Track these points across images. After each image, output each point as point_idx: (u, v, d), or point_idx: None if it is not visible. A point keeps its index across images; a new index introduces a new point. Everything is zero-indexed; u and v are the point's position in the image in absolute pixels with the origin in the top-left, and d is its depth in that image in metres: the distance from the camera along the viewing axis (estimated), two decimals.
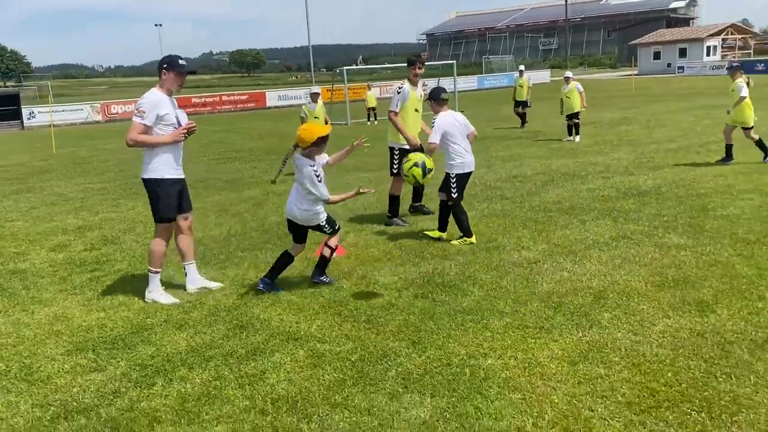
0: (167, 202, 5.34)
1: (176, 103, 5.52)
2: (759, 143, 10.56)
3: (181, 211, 5.54)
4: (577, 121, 15.14)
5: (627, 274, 5.47)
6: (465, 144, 6.74)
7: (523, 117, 18.94)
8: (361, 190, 5.47)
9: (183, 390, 3.85)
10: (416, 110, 7.77)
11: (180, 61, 5.30)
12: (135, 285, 5.86)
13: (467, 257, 6.23)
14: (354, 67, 45.60)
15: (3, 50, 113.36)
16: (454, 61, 31.18)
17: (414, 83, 7.79)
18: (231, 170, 13.76)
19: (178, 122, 5.31)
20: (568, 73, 16.23)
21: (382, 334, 4.50)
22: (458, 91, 30.54)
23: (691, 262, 5.70)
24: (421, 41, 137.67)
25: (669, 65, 57.26)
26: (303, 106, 12.59)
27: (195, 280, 5.73)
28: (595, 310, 4.72)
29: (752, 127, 10.56)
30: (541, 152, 13.52)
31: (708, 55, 58.78)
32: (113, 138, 22.97)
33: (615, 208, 7.97)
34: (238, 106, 39.82)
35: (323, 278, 5.66)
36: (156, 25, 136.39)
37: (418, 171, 5.86)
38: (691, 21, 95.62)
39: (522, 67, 20.53)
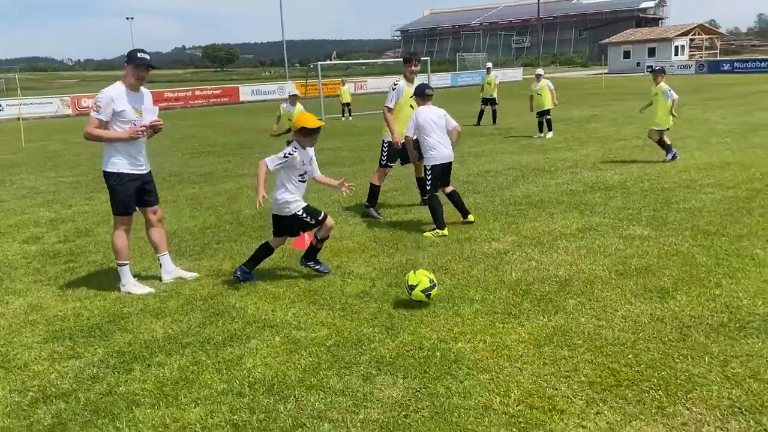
0: (124, 196, 5.40)
1: (150, 98, 5.52)
2: (662, 143, 10.99)
3: (148, 205, 5.60)
4: (549, 117, 15.44)
5: (592, 264, 5.68)
6: (439, 137, 6.96)
7: (489, 114, 19.12)
8: (345, 185, 5.59)
9: (161, 375, 3.93)
10: (411, 107, 7.89)
11: (140, 54, 5.25)
12: (111, 276, 5.89)
13: (440, 248, 6.39)
14: (328, 62, 45.55)
15: None
16: (428, 58, 31.43)
17: (410, 80, 7.95)
18: (205, 164, 13.75)
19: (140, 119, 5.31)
20: (540, 71, 16.47)
21: (356, 321, 4.63)
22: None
23: (653, 252, 5.93)
24: (395, 38, 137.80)
25: (638, 64, 58.25)
26: (281, 106, 12.62)
27: (170, 270, 5.79)
28: (561, 297, 4.91)
29: (668, 129, 10.97)
30: (512, 148, 13.76)
31: (676, 54, 60.04)
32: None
33: (582, 201, 8.21)
34: (211, 100, 39.59)
35: (319, 267, 5.70)
36: (127, 18, 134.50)
37: (422, 296, 4.89)
38: (660, 21, 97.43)
39: (489, 65, 20.78)
